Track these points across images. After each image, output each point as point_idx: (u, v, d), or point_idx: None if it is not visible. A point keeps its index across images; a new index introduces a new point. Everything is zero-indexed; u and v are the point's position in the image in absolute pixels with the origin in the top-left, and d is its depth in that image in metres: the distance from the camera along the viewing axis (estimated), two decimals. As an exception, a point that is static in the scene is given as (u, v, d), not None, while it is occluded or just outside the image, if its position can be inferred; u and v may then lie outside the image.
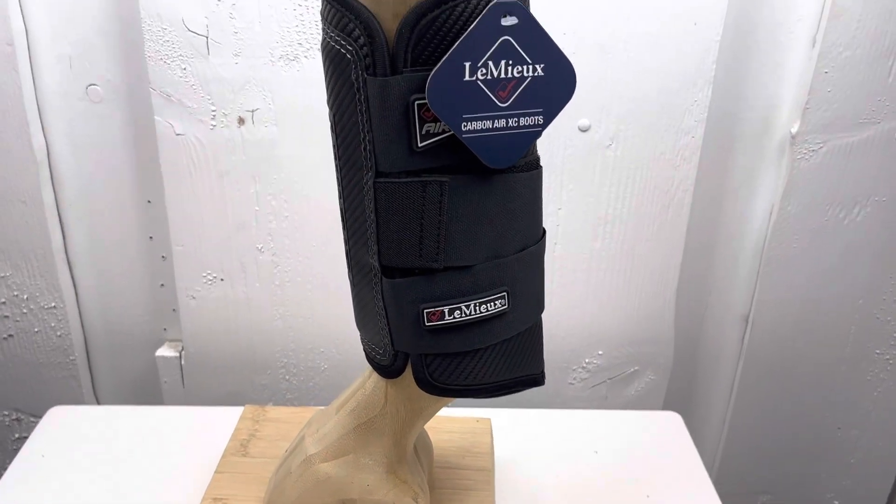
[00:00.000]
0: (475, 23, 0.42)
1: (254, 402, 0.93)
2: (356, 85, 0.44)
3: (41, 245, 0.84)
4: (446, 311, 0.49)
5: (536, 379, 0.55)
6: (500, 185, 0.47)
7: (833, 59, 0.78)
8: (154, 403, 0.96)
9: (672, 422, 0.84)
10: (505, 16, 0.43)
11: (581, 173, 0.83)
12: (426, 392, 0.52)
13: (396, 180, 0.46)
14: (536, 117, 0.46)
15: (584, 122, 0.80)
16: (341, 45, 0.44)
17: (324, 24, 0.46)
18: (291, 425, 0.71)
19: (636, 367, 0.94)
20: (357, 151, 0.46)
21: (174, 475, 0.71)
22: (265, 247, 0.85)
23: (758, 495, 1.04)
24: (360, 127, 0.45)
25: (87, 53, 0.79)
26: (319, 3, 0.74)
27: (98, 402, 0.96)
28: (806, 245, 0.88)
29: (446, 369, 0.51)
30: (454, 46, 0.42)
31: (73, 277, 0.88)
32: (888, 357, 0.96)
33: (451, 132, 0.45)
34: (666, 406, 0.97)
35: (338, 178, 0.50)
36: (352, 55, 0.44)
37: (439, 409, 0.56)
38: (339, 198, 0.50)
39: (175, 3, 0.74)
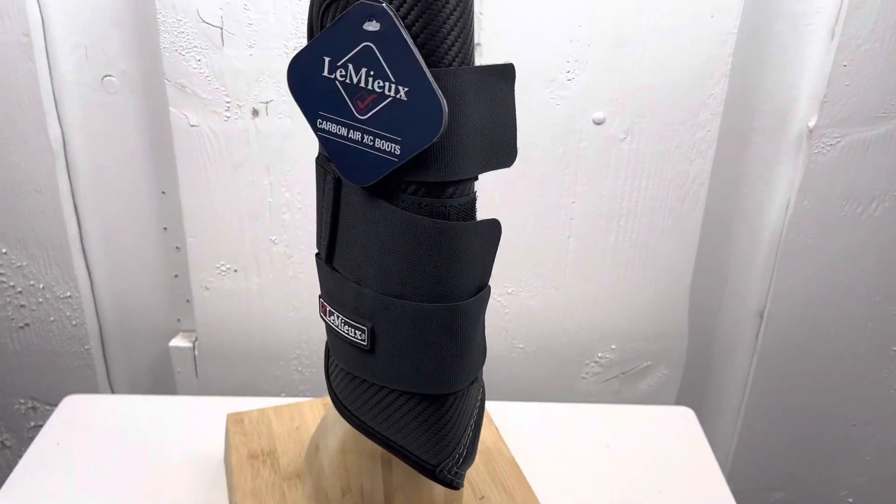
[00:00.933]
0: (338, 18, 0.39)
1: (266, 394, 0.93)
2: None
3: (57, 235, 0.85)
4: (327, 307, 0.47)
5: (424, 467, 0.47)
6: (385, 211, 0.42)
7: (852, 52, 0.77)
8: (168, 393, 0.96)
9: (685, 417, 0.84)
10: (370, 20, 0.38)
11: (595, 166, 0.82)
12: (330, 397, 0.51)
13: (317, 161, 0.46)
14: (393, 145, 0.39)
15: (598, 115, 0.80)
16: None
17: None
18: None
19: (649, 362, 0.93)
20: None
21: (186, 464, 0.72)
22: (279, 238, 0.85)
23: (771, 492, 1.04)
24: None
25: (103, 44, 0.79)
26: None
27: (112, 391, 0.97)
28: (822, 240, 0.87)
29: (342, 384, 0.49)
30: (315, 36, 0.40)
31: (88, 267, 0.89)
32: (905, 354, 0.95)
33: None
34: (679, 401, 0.96)
35: None
36: None
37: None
38: None
39: (190, -6, 0.74)
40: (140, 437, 0.76)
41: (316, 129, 0.42)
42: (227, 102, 0.78)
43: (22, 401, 0.95)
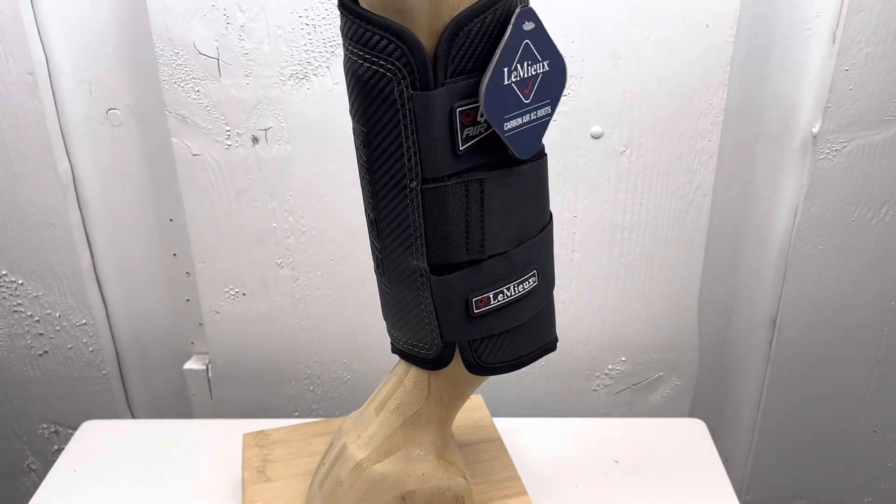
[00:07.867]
0: (508, 31, 0.46)
1: (280, 414, 0.95)
2: (399, 101, 0.47)
3: (70, 265, 0.87)
4: (491, 296, 0.54)
5: (550, 346, 0.61)
6: (521, 174, 0.53)
7: (854, 56, 0.76)
8: (184, 414, 0.98)
9: (695, 429, 0.83)
10: (526, 22, 0.47)
11: (596, 180, 0.82)
12: (476, 374, 0.57)
13: (443, 184, 0.50)
14: (547, 108, 0.52)
15: (596, 129, 0.79)
16: (378, 65, 0.47)
17: (351, 44, 0.48)
18: (298, 443, 0.73)
19: (661, 373, 0.93)
20: (398, 163, 0.49)
21: (204, 487, 0.74)
22: (284, 261, 0.86)
23: (792, 500, 1.02)
24: (404, 139, 0.48)
25: (106, 79, 0.81)
26: (326, 22, 0.75)
27: (132, 414, 0.99)
28: (833, 245, 0.86)
29: (492, 350, 0.57)
30: (497, 55, 0.47)
31: (102, 295, 0.91)
32: (925, 358, 0.93)
33: (485, 133, 0.50)
34: (693, 411, 0.95)
35: (369, 190, 0.52)
36: (392, 73, 0.46)
37: (476, 388, 0.61)
38: (371, 209, 0.53)
39: (186, 27, 0.75)
40: (156, 461, 0.78)
41: (504, 133, 0.49)
42: (227, 131, 0.80)
43: (45, 425, 0.98)
